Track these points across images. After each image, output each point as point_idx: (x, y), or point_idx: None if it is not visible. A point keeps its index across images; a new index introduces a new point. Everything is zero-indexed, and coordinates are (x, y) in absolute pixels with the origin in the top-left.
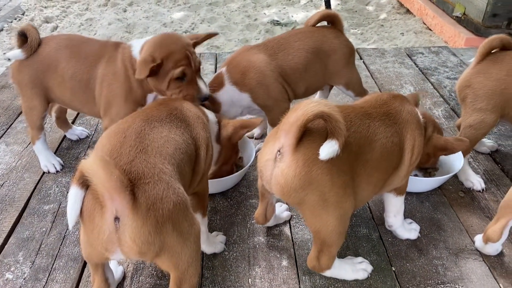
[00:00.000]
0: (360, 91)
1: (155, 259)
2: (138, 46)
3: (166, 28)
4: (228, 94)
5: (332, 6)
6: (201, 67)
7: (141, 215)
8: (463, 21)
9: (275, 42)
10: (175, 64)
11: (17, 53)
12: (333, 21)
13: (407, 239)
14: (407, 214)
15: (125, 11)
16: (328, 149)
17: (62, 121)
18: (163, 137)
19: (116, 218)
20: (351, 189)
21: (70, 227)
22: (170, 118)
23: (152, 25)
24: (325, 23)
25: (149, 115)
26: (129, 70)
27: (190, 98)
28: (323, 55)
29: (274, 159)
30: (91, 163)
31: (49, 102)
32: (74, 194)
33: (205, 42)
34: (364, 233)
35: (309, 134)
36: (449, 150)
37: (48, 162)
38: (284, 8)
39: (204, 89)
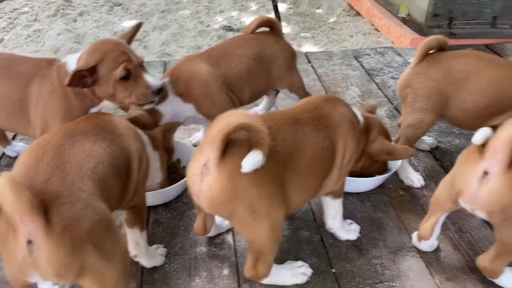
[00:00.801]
0: (304, 94)
1: (78, 280)
2: (73, 62)
3: (116, 37)
4: (171, 105)
5: (284, 10)
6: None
7: (56, 237)
8: (408, 21)
9: (217, 51)
10: (113, 63)
11: None
12: (271, 27)
13: (348, 240)
14: (348, 215)
15: (75, 21)
16: (251, 160)
17: (0, 137)
18: (84, 151)
19: (30, 241)
20: (281, 198)
21: None
22: (96, 130)
23: (102, 34)
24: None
25: (72, 129)
26: (67, 88)
27: (144, 97)
28: (265, 61)
29: (200, 173)
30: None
31: None
32: None
33: (156, 50)
34: (306, 236)
35: (234, 146)
36: (394, 156)
37: None
38: (237, 13)
39: (154, 82)
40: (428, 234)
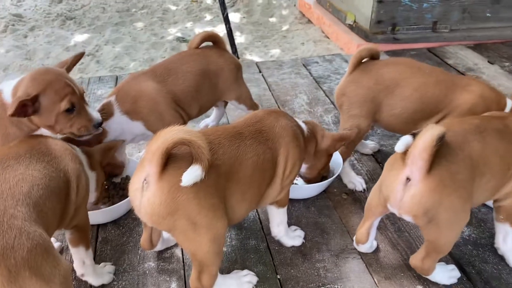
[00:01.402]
0: (251, 104)
1: None
2: (9, 90)
3: (69, 52)
4: (118, 123)
5: (237, 20)
6: (100, 91)
7: None
8: (355, 28)
9: (162, 68)
10: (57, 95)
11: None
12: (214, 41)
13: (293, 246)
14: (294, 221)
15: (25, 36)
16: (191, 174)
17: None
18: (17, 175)
19: None
20: (222, 210)
21: None
22: (31, 153)
23: (54, 50)
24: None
25: (4, 154)
26: (3, 115)
27: (85, 129)
28: (211, 75)
29: (141, 188)
30: None
31: None
32: None
33: (109, 64)
34: (253, 244)
35: (175, 161)
36: (345, 139)
37: None
38: (191, 24)
39: (96, 115)
40: (364, 239)
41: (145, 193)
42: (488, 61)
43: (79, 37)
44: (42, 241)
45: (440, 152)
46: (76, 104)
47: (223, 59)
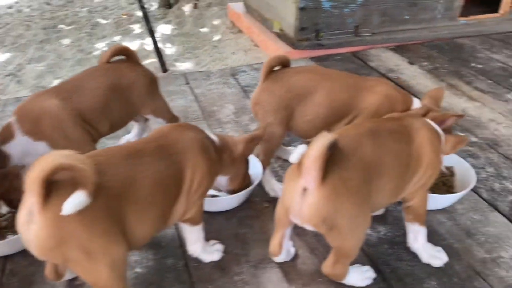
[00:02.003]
0: (170, 117)
1: None
2: None
3: None
4: (20, 145)
5: (169, 31)
6: (3, 115)
7: None
8: (282, 36)
9: (68, 85)
10: None
11: None
12: (126, 54)
13: (212, 261)
14: (214, 235)
15: None
16: (73, 201)
17: None
18: None
19: None
20: (118, 233)
21: None
22: None
23: None
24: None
25: None
26: None
27: None
28: (122, 90)
29: (27, 221)
30: None
31: None
32: None
33: (31, 83)
34: (170, 263)
35: (58, 188)
36: (257, 138)
37: None
38: (120, 38)
39: None
40: (277, 251)
41: (31, 226)
42: (408, 62)
43: (0, 57)
44: None
45: (333, 159)
46: None
47: (135, 73)
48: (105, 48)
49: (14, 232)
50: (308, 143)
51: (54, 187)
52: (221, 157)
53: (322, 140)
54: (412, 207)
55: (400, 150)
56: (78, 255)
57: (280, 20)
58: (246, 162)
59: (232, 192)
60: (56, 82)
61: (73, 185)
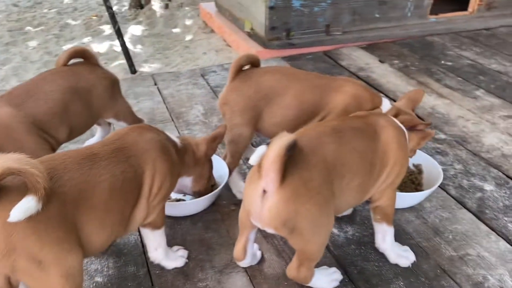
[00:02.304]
0: (133, 120)
1: None
2: None
3: None
4: None
5: (139, 32)
6: None
7: None
8: (253, 35)
9: (20, 90)
10: None
11: None
12: (84, 56)
13: (175, 268)
14: (179, 240)
15: None
16: (22, 207)
17: None
18: None
19: None
20: (73, 241)
21: None
22: None
23: None
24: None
25: None
26: None
27: None
28: (81, 94)
29: None
30: None
31: None
32: None
33: None
34: (132, 271)
35: (7, 194)
36: (219, 136)
37: None
38: (89, 39)
39: None
40: (241, 256)
41: None
42: (379, 60)
43: None
44: None
45: (293, 160)
46: None
47: (95, 75)
48: None
49: None
50: (268, 144)
51: (2, 193)
52: (183, 159)
53: (281, 141)
54: (380, 207)
55: (364, 148)
56: (28, 265)
57: (251, 20)
58: (210, 163)
59: (197, 194)
60: None
61: (24, 191)
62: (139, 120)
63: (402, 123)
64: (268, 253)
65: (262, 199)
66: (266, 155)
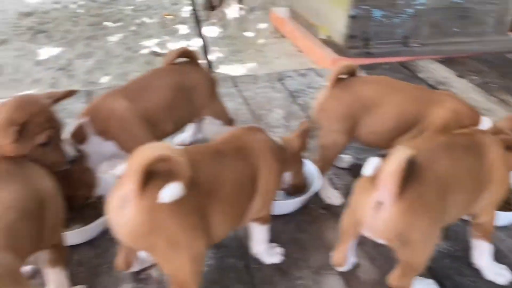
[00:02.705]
0: (228, 120)
1: None
2: None
3: (39, 66)
4: (94, 145)
5: (213, 34)
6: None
7: None
8: (328, 43)
9: (136, 85)
10: (38, 128)
11: None
12: (189, 56)
13: (272, 263)
14: (273, 237)
15: None
16: (170, 191)
17: None
18: None
19: None
20: (203, 229)
21: None
22: (3, 175)
23: (24, 64)
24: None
25: None
26: None
27: (57, 165)
28: (186, 91)
29: (120, 206)
30: None
31: None
32: None
33: (81, 78)
34: (231, 263)
35: (155, 178)
36: (305, 132)
37: None
38: (165, 38)
39: (70, 151)
40: (342, 262)
41: (124, 212)
42: (457, 75)
43: (50, 51)
44: (10, 268)
45: (410, 174)
46: (53, 139)
47: (199, 74)
48: (152, 48)
49: (80, 223)
50: (381, 156)
51: (150, 177)
52: (285, 156)
53: (401, 154)
54: (481, 224)
55: (472, 165)
56: (164, 245)
57: (328, 27)
58: (300, 156)
59: (295, 189)
60: (105, 79)
61: (169, 176)
62: (232, 120)
63: (503, 142)
64: (361, 259)
65: (376, 211)
66: (385, 168)
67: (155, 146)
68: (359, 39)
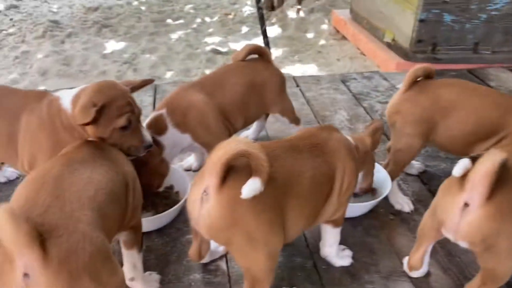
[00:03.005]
0: (294, 118)
1: None
2: (68, 98)
3: (105, 59)
4: (172, 137)
5: (273, 34)
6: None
7: (53, 270)
8: (393, 46)
9: (210, 80)
10: (118, 111)
11: None
12: (260, 53)
13: (341, 266)
14: (341, 240)
15: (63, 42)
16: (250, 187)
17: None
18: (83, 179)
19: (26, 274)
20: (279, 225)
21: None
22: (93, 158)
23: (91, 56)
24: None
25: (70, 158)
26: (57, 122)
27: (135, 149)
28: (257, 88)
29: (200, 199)
30: None
31: None
32: None
33: (146, 72)
34: (299, 262)
35: (235, 173)
36: (377, 130)
37: None
38: (225, 37)
39: (148, 137)
40: (419, 265)
41: (204, 205)
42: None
43: (115, 45)
44: (103, 247)
45: (499, 178)
46: (133, 123)
47: (269, 72)
48: (213, 46)
49: (150, 211)
50: (472, 158)
51: (230, 172)
52: (358, 156)
53: (494, 157)
54: None
55: None
56: (242, 240)
57: (394, 30)
58: (373, 157)
59: (362, 190)
60: (169, 74)
61: (247, 172)
62: (298, 119)
63: None
64: (433, 268)
65: (462, 212)
66: (476, 170)
67: (236, 141)
68: (427, 44)
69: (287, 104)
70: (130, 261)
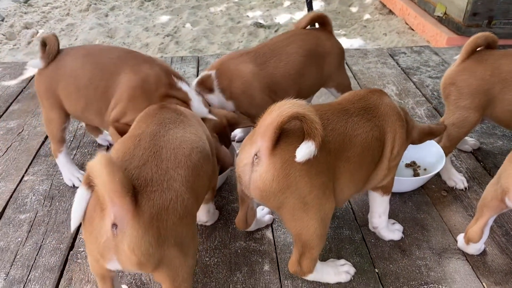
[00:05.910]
0: None
1: (152, 272)
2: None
3: (148, 32)
4: (216, 98)
5: (315, 8)
6: (183, 70)
7: (143, 224)
8: (445, 20)
9: (266, 48)
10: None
11: (36, 62)
12: (323, 23)
13: (390, 240)
14: (390, 215)
15: (106, 15)
16: (305, 150)
17: (93, 127)
18: (178, 138)
19: (114, 224)
20: (331, 190)
21: (72, 229)
22: (181, 119)
23: (134, 29)
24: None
25: (161, 119)
26: (161, 90)
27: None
28: (317, 58)
29: (251, 163)
30: (95, 163)
31: (68, 114)
32: (80, 195)
33: (188, 45)
34: (347, 234)
35: (286, 136)
36: (433, 135)
37: (72, 175)
38: (268, 10)
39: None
40: (477, 237)
41: (256, 169)
42: None
43: (158, 19)
44: (192, 210)
45: None
46: None
47: (330, 42)
48: (255, 19)
49: None
50: None
51: (282, 135)
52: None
53: None
54: None
55: None
56: (295, 203)
57: (446, 4)
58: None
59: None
60: (211, 48)
61: (299, 135)
62: None
63: None
64: (490, 247)
65: None
66: None
67: (290, 103)
68: (482, 17)
69: (345, 80)
70: (205, 208)
